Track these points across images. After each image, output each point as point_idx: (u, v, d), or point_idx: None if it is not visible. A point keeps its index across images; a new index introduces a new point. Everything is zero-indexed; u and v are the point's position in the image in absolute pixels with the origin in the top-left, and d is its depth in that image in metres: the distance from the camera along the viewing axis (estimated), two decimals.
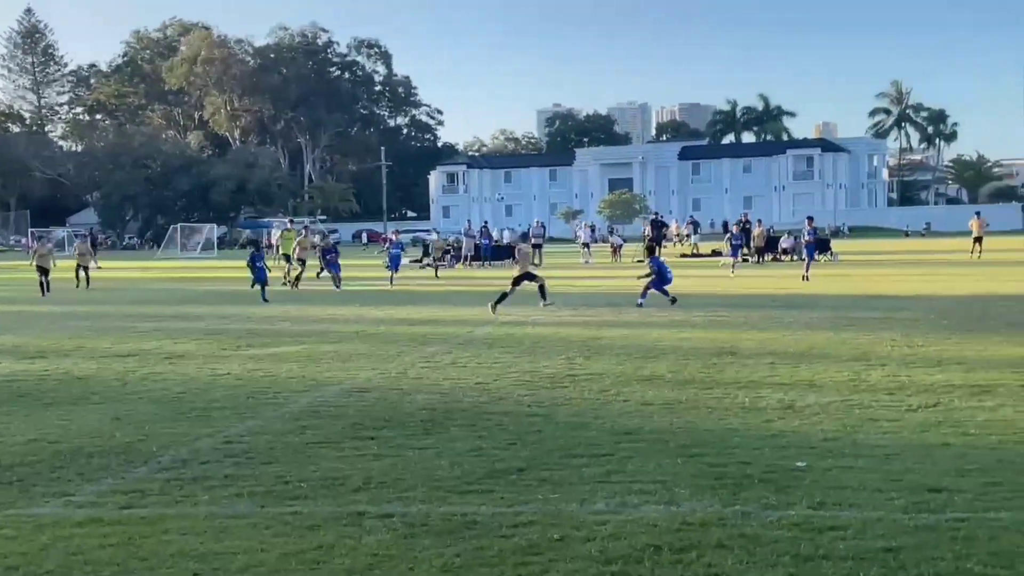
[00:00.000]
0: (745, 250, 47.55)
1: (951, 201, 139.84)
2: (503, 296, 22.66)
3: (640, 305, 23.24)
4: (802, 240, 37.56)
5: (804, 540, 6.58)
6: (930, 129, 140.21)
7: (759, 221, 51.58)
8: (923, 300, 24.37)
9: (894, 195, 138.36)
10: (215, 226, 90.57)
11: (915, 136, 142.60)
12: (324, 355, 16.38)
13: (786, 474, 8.32)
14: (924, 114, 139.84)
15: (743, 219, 51.09)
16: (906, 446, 9.31)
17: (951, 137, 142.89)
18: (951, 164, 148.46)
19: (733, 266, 38.13)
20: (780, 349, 15.99)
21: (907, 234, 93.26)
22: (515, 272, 23.80)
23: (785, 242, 49.50)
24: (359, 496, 7.96)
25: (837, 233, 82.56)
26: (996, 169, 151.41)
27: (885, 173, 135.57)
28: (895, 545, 6.43)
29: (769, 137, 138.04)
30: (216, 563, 6.49)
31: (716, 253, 54.50)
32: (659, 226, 51.88)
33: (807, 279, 31.19)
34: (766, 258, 47.53)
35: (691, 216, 75.46)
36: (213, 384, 13.77)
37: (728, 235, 45.69)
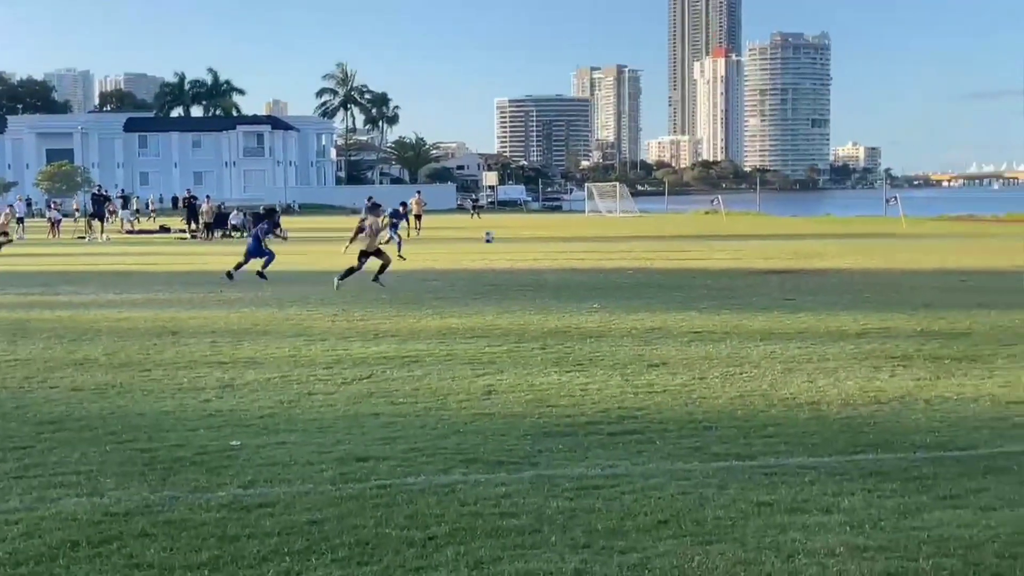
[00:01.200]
0: (193, 226, 46.82)
1: (395, 181, 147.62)
2: (350, 271, 21.43)
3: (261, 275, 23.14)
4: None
5: (231, 520, 6.51)
6: (374, 111, 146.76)
7: (208, 197, 50.88)
8: (368, 276, 25.36)
9: (342, 174, 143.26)
10: None
11: (360, 117, 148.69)
12: None
13: (219, 454, 8.21)
14: (368, 96, 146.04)
15: (187, 195, 50.17)
16: (339, 418, 9.60)
17: (393, 120, 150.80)
18: (393, 145, 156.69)
19: (398, 243, 35.74)
20: (223, 327, 15.86)
21: (354, 211, 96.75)
22: (362, 246, 21.90)
23: (235, 218, 49.33)
24: None
25: (288, 210, 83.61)
26: (434, 151, 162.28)
27: (333, 152, 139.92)
28: (320, 517, 6.56)
29: (219, 112, 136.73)
30: None
31: (165, 229, 53.08)
32: (101, 201, 49.37)
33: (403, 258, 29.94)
34: (216, 235, 47.03)
35: (122, 191, 71.71)
36: None
37: (388, 212, 40.77)
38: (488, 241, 30.61)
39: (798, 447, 8.41)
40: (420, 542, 6.12)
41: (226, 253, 34.85)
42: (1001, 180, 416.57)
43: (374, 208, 24.29)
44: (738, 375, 11.61)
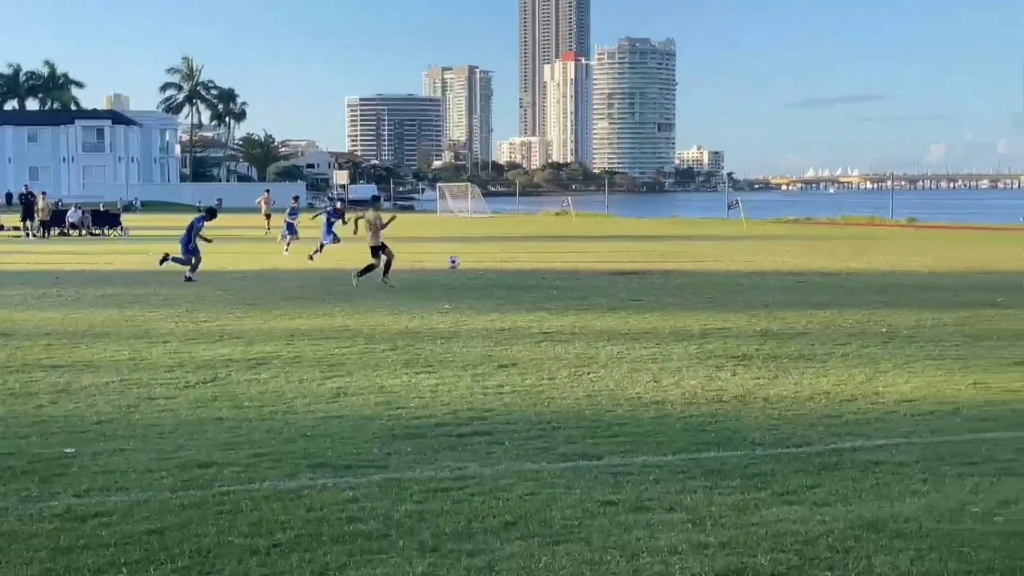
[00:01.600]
0: (28, 223, 45.03)
1: (242, 178, 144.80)
2: (368, 268, 21.80)
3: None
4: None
5: (65, 531, 6.25)
6: (221, 107, 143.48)
7: (43, 193, 48.87)
8: (206, 276, 24.77)
9: (187, 170, 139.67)
10: None
11: (207, 113, 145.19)
12: None
13: (53, 462, 7.88)
14: (215, 92, 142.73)
15: (25, 191, 48.19)
16: (181, 423, 9.33)
17: (241, 116, 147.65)
18: (241, 142, 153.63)
19: (288, 243, 33.96)
20: (59, 328, 15.28)
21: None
22: (371, 243, 22.08)
23: (72, 216, 47.60)
24: None
25: (129, 207, 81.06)
26: (283, 149, 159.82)
27: (178, 148, 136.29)
28: (160, 526, 6.35)
29: (56, 106, 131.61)
30: None
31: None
32: None
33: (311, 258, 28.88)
34: (53, 232, 45.30)
35: None
36: None
37: (287, 211, 35.80)
38: (453, 267, 26.93)
39: (643, 446, 8.56)
40: (264, 550, 5.98)
41: (63, 252, 33.62)
42: (836, 184, 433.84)
43: (374, 199, 24.06)
44: (586, 375, 11.76)
